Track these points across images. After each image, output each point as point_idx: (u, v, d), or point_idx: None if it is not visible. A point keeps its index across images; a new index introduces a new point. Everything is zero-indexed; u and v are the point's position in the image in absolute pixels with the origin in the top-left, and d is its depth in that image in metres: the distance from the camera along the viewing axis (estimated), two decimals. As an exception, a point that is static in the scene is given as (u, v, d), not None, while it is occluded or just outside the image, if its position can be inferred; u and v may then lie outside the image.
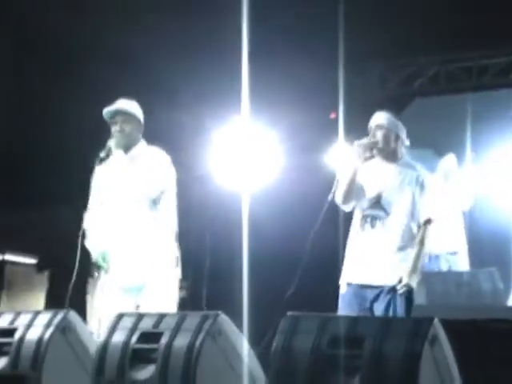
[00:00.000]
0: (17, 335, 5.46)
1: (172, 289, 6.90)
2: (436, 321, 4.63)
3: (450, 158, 10.20)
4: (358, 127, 8.73)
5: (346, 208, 7.01)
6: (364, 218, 6.85)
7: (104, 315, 6.43)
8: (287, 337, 4.70)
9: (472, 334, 8.93)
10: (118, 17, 10.33)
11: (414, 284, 6.66)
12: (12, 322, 5.57)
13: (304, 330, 4.70)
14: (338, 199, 6.94)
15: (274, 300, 9.05)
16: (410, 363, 4.37)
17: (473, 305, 9.73)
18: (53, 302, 11.08)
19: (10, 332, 5.51)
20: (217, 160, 10.52)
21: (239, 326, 5.22)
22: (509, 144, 10.49)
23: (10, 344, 5.45)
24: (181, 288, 10.97)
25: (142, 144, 6.87)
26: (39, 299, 11.86)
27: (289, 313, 4.85)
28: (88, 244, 6.79)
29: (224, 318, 5.00)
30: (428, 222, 6.83)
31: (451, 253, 10.04)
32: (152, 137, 7.05)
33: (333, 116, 10.34)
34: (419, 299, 7.47)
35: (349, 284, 6.72)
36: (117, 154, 6.78)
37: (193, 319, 5.02)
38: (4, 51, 10.92)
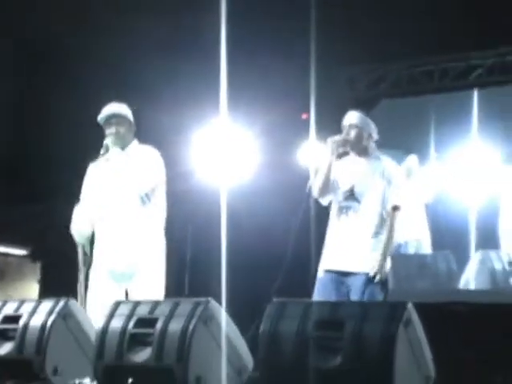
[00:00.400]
0: (21, 322, 5.49)
1: (160, 277, 6.92)
2: (410, 305, 4.68)
3: (411, 159, 10.35)
4: (328, 126, 8.82)
5: (323, 201, 7.03)
6: (340, 209, 6.88)
7: (96, 302, 6.48)
8: (273, 321, 4.73)
9: (434, 317, 9.02)
10: (104, 19, 10.31)
11: (386, 270, 6.74)
12: (17, 310, 5.61)
13: (289, 314, 4.73)
14: (315, 193, 6.98)
15: (250, 287, 9.06)
16: (386, 344, 4.42)
17: (433, 288, 9.84)
18: (46, 291, 11.10)
19: (15, 319, 5.54)
20: (197, 157, 10.54)
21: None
22: (466, 144, 10.63)
23: (15, 330, 5.48)
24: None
25: (135, 143, 6.87)
26: (31, 288, 11.84)
27: (275, 299, 4.88)
28: (73, 228, 6.80)
29: (214, 305, 5.05)
30: (395, 208, 6.85)
31: (416, 239, 10.18)
32: (136, 135, 7.14)
33: (304, 116, 10.37)
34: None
35: (327, 271, 6.73)
36: (114, 151, 6.83)
37: (185, 306, 5.05)
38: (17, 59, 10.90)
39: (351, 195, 6.92)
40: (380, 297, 6.56)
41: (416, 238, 10.21)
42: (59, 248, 8.12)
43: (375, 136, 7.10)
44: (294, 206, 8.39)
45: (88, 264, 6.80)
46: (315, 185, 6.97)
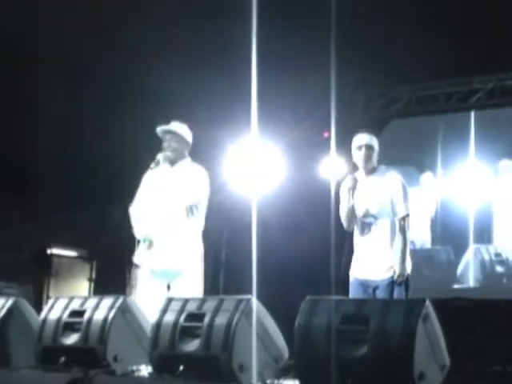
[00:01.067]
0: (86, 315, 5.57)
1: (199, 277, 7.02)
2: (427, 302, 4.78)
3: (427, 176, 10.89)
4: (347, 144, 8.88)
5: (349, 230, 7.17)
6: (361, 225, 6.97)
7: (143, 296, 6.59)
8: (307, 316, 4.80)
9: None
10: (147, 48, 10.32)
11: (408, 271, 6.77)
12: (82, 305, 5.68)
13: (320, 310, 4.79)
14: (345, 226, 7.05)
15: (279, 285, 9.06)
16: (407, 337, 4.48)
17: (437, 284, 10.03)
18: (96, 289, 11.16)
19: (80, 313, 5.62)
20: (230, 171, 10.58)
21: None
22: (466, 161, 10.82)
23: (80, 323, 5.56)
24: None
25: (187, 160, 6.97)
26: (81, 286, 11.87)
27: (308, 296, 4.92)
28: (134, 229, 6.90)
29: (255, 302, 5.11)
30: (406, 216, 6.93)
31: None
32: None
33: (326, 135, 10.41)
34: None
35: (355, 278, 6.83)
36: (164, 166, 6.95)
37: (229, 302, 5.13)
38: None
39: (367, 213, 6.98)
40: (403, 295, 6.56)
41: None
42: (108, 250, 8.18)
43: (378, 150, 7.14)
44: (316, 213, 8.51)
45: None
46: (342, 219, 7.02)
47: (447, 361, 4.74)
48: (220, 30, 9.78)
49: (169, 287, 6.71)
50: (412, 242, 9.92)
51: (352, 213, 6.95)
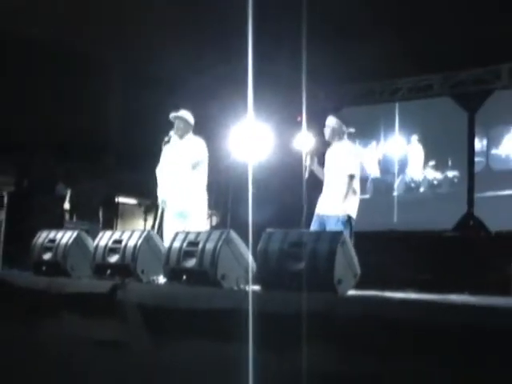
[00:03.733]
0: (123, 243, 5.63)
1: (204, 217, 7.10)
2: (345, 233, 4.83)
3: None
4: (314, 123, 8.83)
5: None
6: (325, 178, 7.03)
7: (167, 231, 6.64)
8: (265, 242, 4.82)
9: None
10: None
11: (347, 212, 6.78)
12: (120, 236, 5.74)
13: (275, 238, 4.81)
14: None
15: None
16: (330, 256, 4.52)
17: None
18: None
19: (120, 241, 5.68)
20: (234, 143, 10.46)
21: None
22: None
23: (119, 247, 5.64)
24: (215, 216, 11.14)
25: (190, 135, 6.98)
26: (138, 224, 11.88)
27: (267, 229, 4.93)
28: (158, 188, 6.95)
29: (233, 233, 5.13)
30: (350, 176, 6.93)
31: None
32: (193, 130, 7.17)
33: (298, 119, 10.34)
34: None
35: (316, 214, 6.89)
36: (174, 140, 6.98)
37: (215, 233, 5.16)
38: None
39: (328, 170, 7.01)
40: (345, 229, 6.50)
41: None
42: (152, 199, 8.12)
43: (344, 130, 7.10)
44: (292, 174, 8.45)
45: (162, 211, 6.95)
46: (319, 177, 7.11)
47: (358, 271, 4.74)
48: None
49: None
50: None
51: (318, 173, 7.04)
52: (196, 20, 9.32)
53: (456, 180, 9.91)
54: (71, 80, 10.49)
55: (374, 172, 10.90)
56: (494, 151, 9.56)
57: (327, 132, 7.06)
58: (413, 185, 10.35)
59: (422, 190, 10.28)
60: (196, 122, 7.12)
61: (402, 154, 10.61)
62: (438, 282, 6.12)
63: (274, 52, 9.21)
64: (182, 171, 6.79)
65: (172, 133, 6.94)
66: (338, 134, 7.02)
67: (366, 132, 10.71)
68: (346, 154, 6.94)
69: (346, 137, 7.10)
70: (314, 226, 6.83)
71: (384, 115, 10.63)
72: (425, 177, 10.25)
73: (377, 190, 10.37)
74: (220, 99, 10.24)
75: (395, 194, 10.42)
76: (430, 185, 10.14)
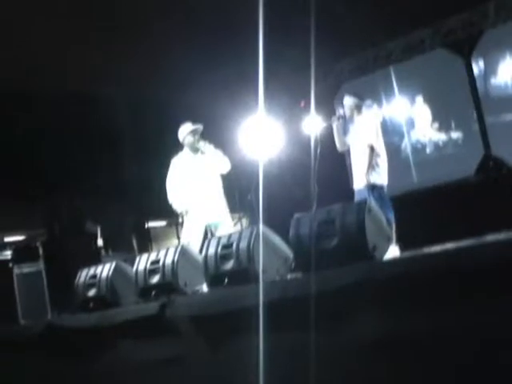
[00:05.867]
0: (160, 263, 5.70)
1: (230, 224, 7.21)
2: (369, 200, 4.83)
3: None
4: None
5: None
6: (352, 151, 7.19)
7: (194, 240, 6.77)
8: (295, 228, 4.82)
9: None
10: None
11: (372, 181, 6.90)
12: (157, 256, 5.80)
13: (304, 222, 4.81)
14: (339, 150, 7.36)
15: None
16: (359, 225, 4.51)
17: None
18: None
19: (157, 261, 5.75)
20: (244, 139, 10.28)
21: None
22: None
23: (158, 268, 5.70)
24: (245, 218, 11.12)
25: (206, 144, 7.15)
26: (172, 243, 11.89)
27: (295, 214, 4.94)
28: (173, 202, 7.03)
29: (264, 227, 5.14)
30: (370, 147, 7.03)
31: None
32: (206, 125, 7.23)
33: (302, 105, 10.29)
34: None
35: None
36: (186, 151, 7.12)
37: (246, 232, 5.20)
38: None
39: (353, 146, 7.14)
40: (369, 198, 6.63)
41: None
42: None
43: (361, 105, 7.27)
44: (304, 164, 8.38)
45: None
46: (337, 144, 7.32)
47: (390, 234, 4.78)
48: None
49: (207, 232, 6.84)
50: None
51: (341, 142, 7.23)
52: (204, 14, 9.20)
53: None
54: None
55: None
56: (492, 80, 9.50)
57: (347, 111, 7.24)
58: (419, 146, 10.32)
59: (428, 151, 10.27)
60: (205, 121, 7.21)
61: (407, 115, 10.53)
62: (472, 227, 6.07)
63: (283, 45, 9.03)
64: (213, 182, 6.99)
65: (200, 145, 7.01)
66: (356, 109, 7.21)
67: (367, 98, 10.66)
68: (364, 126, 7.09)
69: (363, 109, 7.29)
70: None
71: (383, 81, 10.58)
72: (430, 138, 10.22)
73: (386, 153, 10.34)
74: (229, 95, 10.14)
75: (402, 156, 10.40)
76: (436, 146, 10.12)
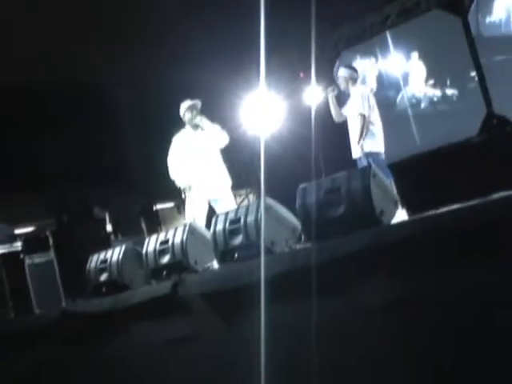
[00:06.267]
0: (169, 243, 5.69)
1: (233, 200, 7.17)
2: (373, 167, 4.81)
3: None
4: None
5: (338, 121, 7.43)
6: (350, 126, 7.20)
7: (198, 216, 6.77)
8: (302, 198, 4.79)
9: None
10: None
11: (365, 149, 6.90)
12: (166, 235, 5.80)
13: (309, 191, 4.79)
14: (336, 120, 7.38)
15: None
16: (365, 190, 4.49)
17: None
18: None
19: (166, 242, 5.74)
20: (245, 115, 10.37)
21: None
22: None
23: (167, 248, 5.70)
24: (252, 194, 11.12)
25: (204, 120, 7.12)
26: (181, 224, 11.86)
27: (300, 185, 4.92)
28: (175, 179, 7.02)
29: (270, 200, 5.13)
30: (361, 115, 7.08)
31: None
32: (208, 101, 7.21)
33: (301, 75, 10.24)
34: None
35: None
36: (187, 128, 7.11)
37: (253, 205, 5.21)
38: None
39: (349, 117, 7.17)
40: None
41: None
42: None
43: (356, 76, 7.29)
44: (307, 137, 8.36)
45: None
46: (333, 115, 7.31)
47: (397, 198, 4.73)
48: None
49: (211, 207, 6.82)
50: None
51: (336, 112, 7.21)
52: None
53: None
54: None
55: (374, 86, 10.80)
56: (487, 19, 9.42)
57: (341, 83, 7.29)
58: (414, 101, 10.28)
59: (422, 106, 10.22)
60: (207, 97, 7.21)
61: (403, 70, 10.46)
62: (478, 188, 6.03)
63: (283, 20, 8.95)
64: (213, 157, 6.94)
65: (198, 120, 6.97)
66: (351, 81, 7.23)
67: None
68: (357, 96, 7.10)
69: (358, 81, 7.29)
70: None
71: (380, 43, 10.53)
72: (425, 94, 10.15)
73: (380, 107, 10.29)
74: (230, 71, 10.08)
75: (399, 109, 10.38)
76: (431, 102, 10.07)
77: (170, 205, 12.10)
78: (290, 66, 10.53)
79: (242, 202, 9.58)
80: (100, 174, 10.26)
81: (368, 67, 10.56)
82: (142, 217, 9.66)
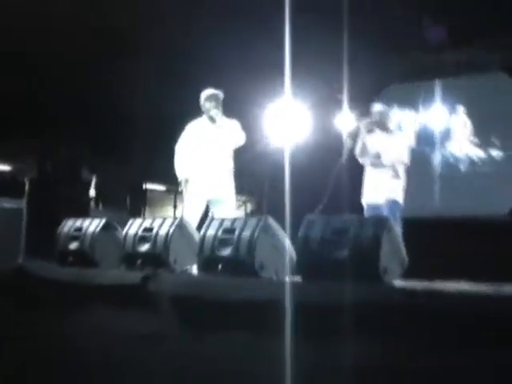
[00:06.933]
0: (154, 230, 5.70)
1: (235, 206, 7.16)
2: (391, 220, 4.84)
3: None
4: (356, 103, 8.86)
5: (360, 160, 7.30)
6: (372, 164, 7.18)
7: (192, 215, 6.71)
8: (306, 230, 4.84)
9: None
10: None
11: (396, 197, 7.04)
12: (151, 224, 5.81)
13: (316, 225, 4.83)
14: (357, 156, 7.34)
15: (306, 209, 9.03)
16: (375, 242, 4.54)
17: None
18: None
19: (150, 229, 5.76)
20: (269, 125, 10.43)
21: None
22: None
23: (150, 236, 5.72)
24: (250, 203, 11.19)
25: (223, 116, 7.07)
26: (167, 211, 11.93)
27: (307, 216, 4.97)
28: (177, 169, 6.96)
29: (271, 220, 5.18)
30: (402, 164, 7.16)
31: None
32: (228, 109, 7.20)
33: (339, 97, 10.26)
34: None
35: (366, 203, 7.21)
36: (204, 119, 7.09)
37: (252, 220, 5.22)
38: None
39: (375, 157, 7.15)
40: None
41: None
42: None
43: (392, 117, 7.36)
44: (332, 157, 8.46)
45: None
46: (357, 150, 7.21)
47: (406, 258, 4.77)
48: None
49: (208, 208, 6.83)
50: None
51: (364, 148, 7.12)
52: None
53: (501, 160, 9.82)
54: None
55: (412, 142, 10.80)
56: None
57: (374, 119, 7.25)
58: (452, 160, 10.28)
59: (462, 167, 10.20)
60: (227, 101, 7.14)
61: (444, 124, 10.46)
62: (492, 272, 6.09)
63: (312, 26, 9.10)
64: (223, 155, 6.85)
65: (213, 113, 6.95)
66: (385, 121, 7.25)
67: (404, 103, 10.66)
68: (396, 141, 7.14)
69: (392, 126, 7.36)
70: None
71: (426, 88, 10.55)
72: (467, 153, 10.16)
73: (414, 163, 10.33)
74: (254, 75, 10.15)
75: (433, 168, 10.37)
76: (472, 163, 10.06)
77: (161, 188, 12.15)
78: (320, 75, 10.55)
79: (238, 207, 9.63)
80: (99, 134, 10.26)
81: (406, 119, 10.59)
82: (129, 192, 9.66)
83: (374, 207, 7.03)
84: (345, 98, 9.45)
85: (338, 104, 9.89)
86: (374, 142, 7.27)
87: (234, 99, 7.27)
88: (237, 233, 5.15)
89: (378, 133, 7.31)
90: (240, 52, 9.86)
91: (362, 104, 8.93)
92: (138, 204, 10.95)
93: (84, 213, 8.27)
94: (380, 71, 10.73)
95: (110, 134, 10.47)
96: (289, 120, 9.88)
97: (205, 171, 6.83)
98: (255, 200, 10.94)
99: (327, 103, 10.38)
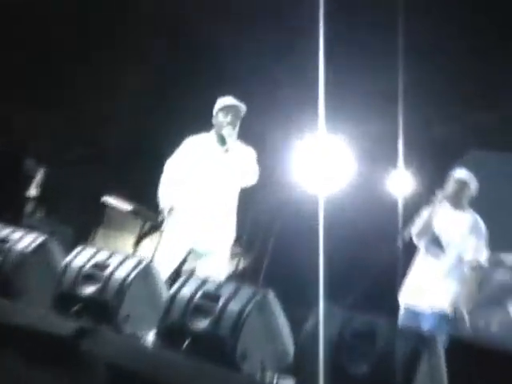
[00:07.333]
0: (109, 270, 5.53)
1: (226, 261, 7.02)
2: (439, 345, 4.70)
3: None
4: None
5: (418, 244, 7.13)
6: (427, 250, 7.02)
7: (167, 260, 6.61)
8: (315, 323, 4.71)
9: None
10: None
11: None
12: (107, 259, 5.65)
13: (334, 320, 4.70)
14: (414, 236, 7.09)
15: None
16: (411, 366, 4.37)
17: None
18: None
19: (104, 267, 5.58)
20: (297, 164, 10.50)
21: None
22: None
23: (101, 276, 5.53)
24: (243, 258, 11.10)
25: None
26: (129, 241, 11.83)
27: (334, 308, 4.84)
28: (161, 193, 6.86)
29: (272, 297, 5.07)
30: (480, 267, 7.02)
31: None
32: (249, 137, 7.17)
33: None
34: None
35: (406, 305, 7.08)
36: (211, 138, 7.07)
37: (247, 291, 5.09)
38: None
39: (439, 243, 6.97)
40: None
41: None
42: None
43: (474, 193, 7.17)
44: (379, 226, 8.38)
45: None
46: (416, 227, 7.04)
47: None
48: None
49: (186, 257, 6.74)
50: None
51: (427, 229, 6.99)
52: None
53: None
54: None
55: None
56: None
57: (453, 190, 7.09)
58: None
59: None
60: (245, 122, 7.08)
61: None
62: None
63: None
64: (225, 190, 6.79)
65: (226, 133, 6.85)
66: (466, 198, 7.11)
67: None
68: (474, 231, 6.99)
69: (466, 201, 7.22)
70: (403, 323, 6.83)
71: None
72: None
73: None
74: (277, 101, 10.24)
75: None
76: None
77: (126, 207, 12.02)
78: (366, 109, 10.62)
79: (231, 260, 9.62)
80: (56, 119, 10.26)
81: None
82: (82, 203, 9.60)
83: (412, 314, 6.87)
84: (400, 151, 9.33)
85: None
86: (441, 221, 7.10)
87: (254, 122, 7.21)
88: (222, 302, 5.04)
89: (447, 209, 7.13)
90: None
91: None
92: (90, 221, 10.86)
93: (15, 217, 8.12)
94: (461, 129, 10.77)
95: (72, 122, 10.53)
96: (321, 160, 9.89)
97: (197, 205, 6.73)
98: (253, 256, 10.85)
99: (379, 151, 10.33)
